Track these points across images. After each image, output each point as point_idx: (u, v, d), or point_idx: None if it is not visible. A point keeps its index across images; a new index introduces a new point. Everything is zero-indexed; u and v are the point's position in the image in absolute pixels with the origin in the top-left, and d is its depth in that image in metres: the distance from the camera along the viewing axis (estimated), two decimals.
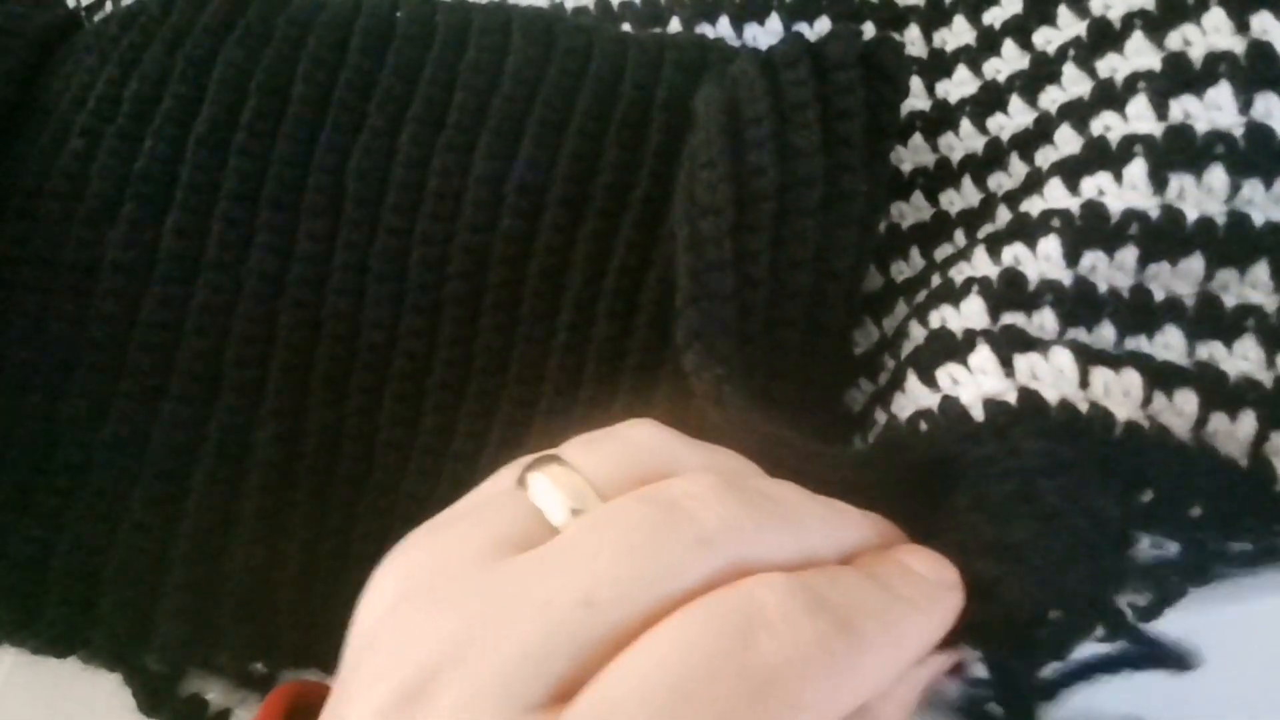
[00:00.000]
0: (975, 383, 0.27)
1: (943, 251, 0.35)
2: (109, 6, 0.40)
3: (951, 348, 0.28)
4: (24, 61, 0.35)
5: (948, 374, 0.27)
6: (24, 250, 0.33)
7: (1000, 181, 0.35)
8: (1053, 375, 0.26)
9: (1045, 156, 0.33)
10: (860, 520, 0.23)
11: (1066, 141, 0.32)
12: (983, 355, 0.27)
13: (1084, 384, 0.26)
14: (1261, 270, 0.27)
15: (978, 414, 0.26)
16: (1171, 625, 0.25)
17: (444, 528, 0.23)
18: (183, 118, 0.34)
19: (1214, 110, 0.28)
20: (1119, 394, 0.25)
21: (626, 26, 0.39)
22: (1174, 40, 0.30)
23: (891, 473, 0.26)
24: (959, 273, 0.30)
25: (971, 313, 0.28)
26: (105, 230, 0.33)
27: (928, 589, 0.22)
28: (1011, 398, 0.26)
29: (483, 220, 0.34)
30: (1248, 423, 0.26)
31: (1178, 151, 0.27)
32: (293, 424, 0.34)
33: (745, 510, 0.21)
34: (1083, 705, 0.24)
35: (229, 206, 0.33)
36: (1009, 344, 0.27)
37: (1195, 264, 0.27)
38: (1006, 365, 0.26)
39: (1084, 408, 0.25)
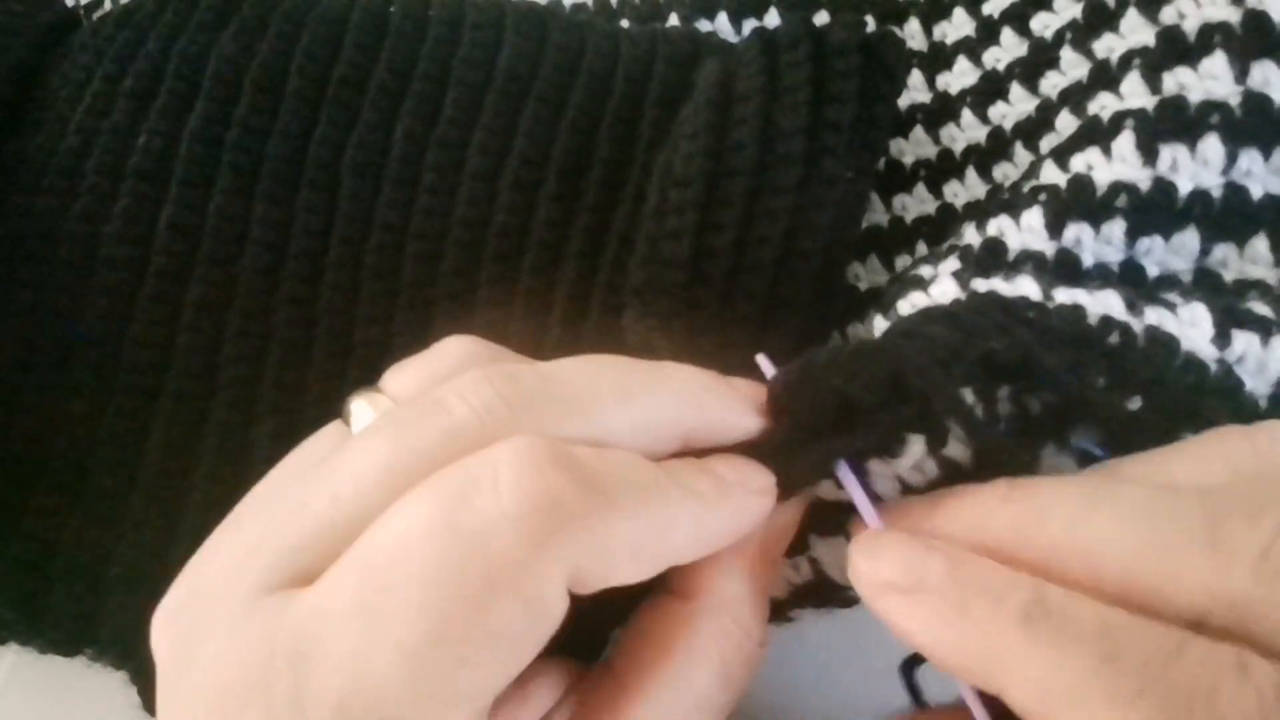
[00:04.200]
0: (931, 301, 0.26)
1: None
2: (107, 4, 0.41)
3: (916, 283, 0.27)
4: (23, 60, 0.35)
5: (909, 302, 0.27)
6: (20, 247, 0.33)
7: (1006, 171, 0.34)
8: (1012, 289, 0.25)
9: (1049, 144, 0.32)
10: (681, 401, 0.22)
11: (1067, 127, 0.31)
12: (945, 282, 0.26)
13: (1048, 298, 0.25)
14: (1261, 244, 0.26)
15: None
16: None
17: (278, 464, 0.25)
18: (178, 113, 0.34)
19: (1209, 80, 0.27)
20: (1090, 302, 0.24)
21: (625, 23, 0.39)
22: (1168, 14, 0.29)
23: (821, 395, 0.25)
24: (946, 245, 0.30)
25: (946, 268, 0.27)
26: (100, 226, 0.33)
27: (720, 485, 0.21)
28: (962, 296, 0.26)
29: (476, 215, 0.34)
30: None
31: (1168, 121, 0.26)
32: (290, 420, 0.33)
33: (509, 396, 0.21)
34: None
35: (224, 202, 0.34)
36: (974, 272, 0.26)
37: (1190, 238, 0.26)
38: (964, 284, 0.26)
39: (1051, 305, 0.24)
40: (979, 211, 0.34)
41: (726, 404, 0.23)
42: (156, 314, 0.33)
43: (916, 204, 0.36)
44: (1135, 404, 0.22)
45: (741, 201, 0.29)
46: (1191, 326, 0.24)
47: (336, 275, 0.34)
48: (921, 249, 0.35)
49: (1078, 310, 0.24)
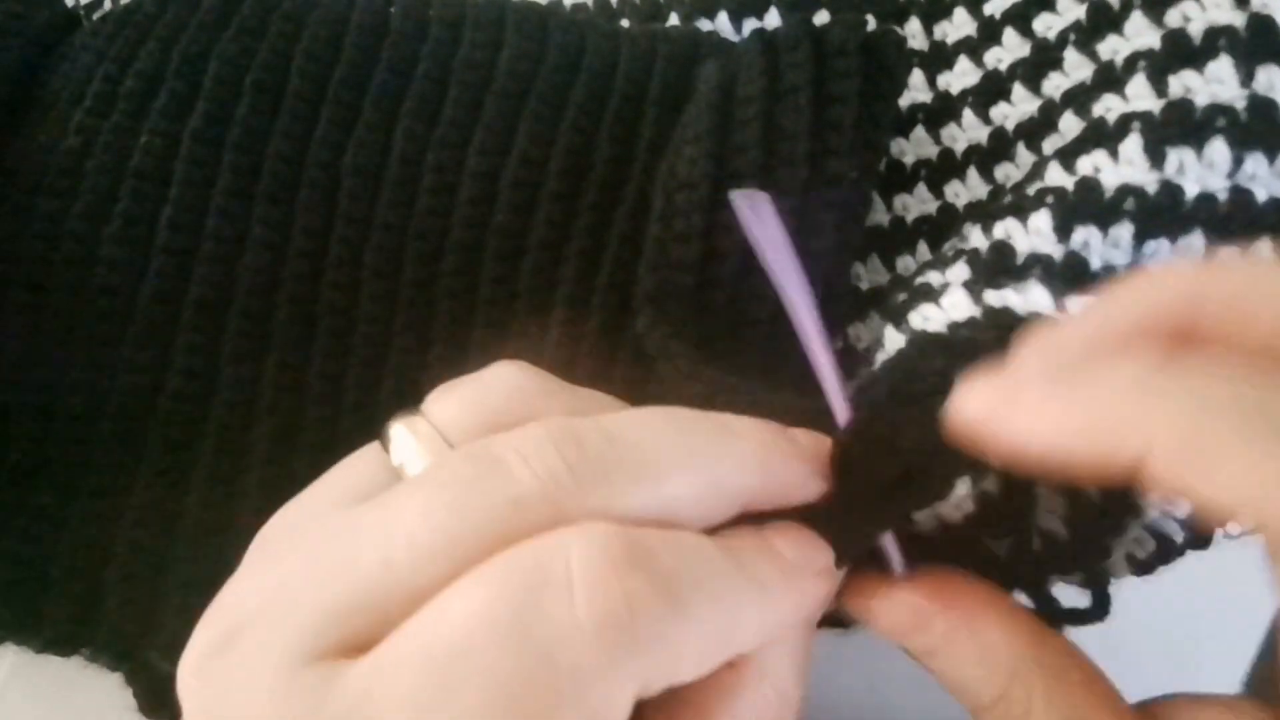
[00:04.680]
0: (944, 315, 0.26)
1: (951, 245, 0.35)
2: (107, 4, 0.40)
3: (927, 293, 0.27)
4: (23, 60, 0.35)
5: (920, 314, 0.27)
6: (20, 247, 0.33)
7: (1008, 172, 0.34)
8: (1025, 301, 0.25)
9: (1052, 145, 0.32)
10: (747, 467, 0.21)
11: (1070, 129, 0.31)
12: (956, 293, 0.26)
13: (1060, 310, 0.25)
14: (1265, 248, 0.26)
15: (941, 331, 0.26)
16: (1172, 617, 0.24)
17: (310, 487, 0.23)
18: (178, 114, 0.34)
19: (1215, 84, 0.27)
20: None
21: (625, 23, 0.39)
22: (1173, 17, 0.29)
23: (877, 456, 0.25)
24: (951, 248, 0.30)
25: (955, 275, 0.27)
26: (101, 226, 0.33)
27: (785, 570, 0.21)
28: (978, 315, 0.25)
29: (477, 215, 0.34)
30: None
31: (1176, 124, 0.26)
32: (289, 421, 0.34)
33: (575, 464, 0.20)
34: None
35: (224, 202, 0.34)
36: (985, 281, 0.26)
37: (1196, 241, 0.26)
38: (977, 297, 0.26)
39: None
40: (981, 212, 0.34)
41: (791, 467, 0.22)
42: (156, 314, 0.33)
43: (917, 204, 0.36)
44: None
45: None
46: None
47: (337, 275, 0.34)
48: (922, 249, 0.36)
49: None
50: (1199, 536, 0.23)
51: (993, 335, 0.23)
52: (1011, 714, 0.21)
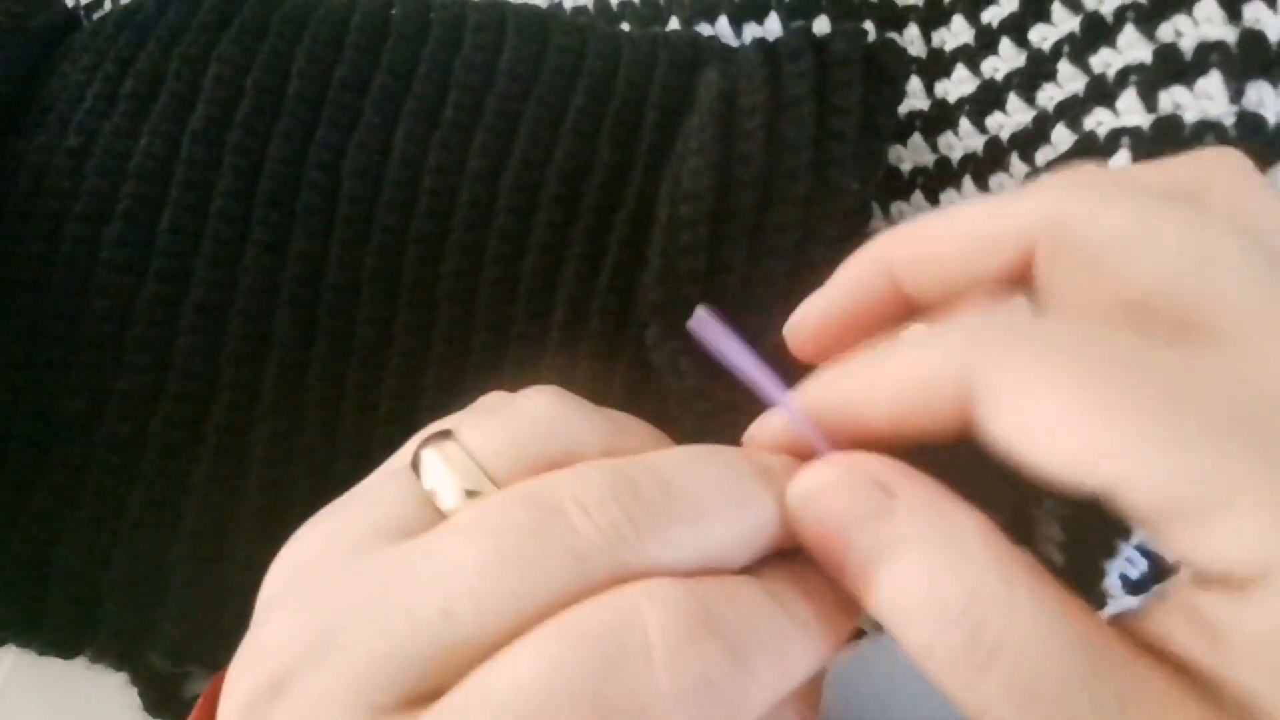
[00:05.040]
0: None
1: None
2: (107, 5, 0.40)
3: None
4: (23, 60, 0.35)
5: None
6: (21, 248, 0.33)
7: (1002, 182, 0.34)
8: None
9: (1044, 156, 0.33)
10: (773, 507, 0.21)
11: (1062, 141, 0.32)
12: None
13: None
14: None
15: None
16: None
17: (335, 513, 0.22)
18: (179, 115, 0.34)
19: (1204, 100, 0.27)
20: None
21: (625, 26, 0.39)
22: (1165, 32, 0.29)
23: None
24: None
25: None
26: (101, 228, 0.33)
27: (822, 612, 0.20)
28: None
29: (477, 217, 0.34)
30: None
31: (1165, 141, 0.27)
32: (290, 422, 0.34)
33: (635, 515, 0.19)
34: None
35: (224, 204, 0.33)
36: None
37: None
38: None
39: None
40: None
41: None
42: (157, 315, 0.33)
43: (914, 212, 0.36)
44: None
45: (752, 214, 0.29)
46: None
47: (337, 277, 0.34)
48: None
49: None
50: None
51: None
52: None
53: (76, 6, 0.41)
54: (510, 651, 0.18)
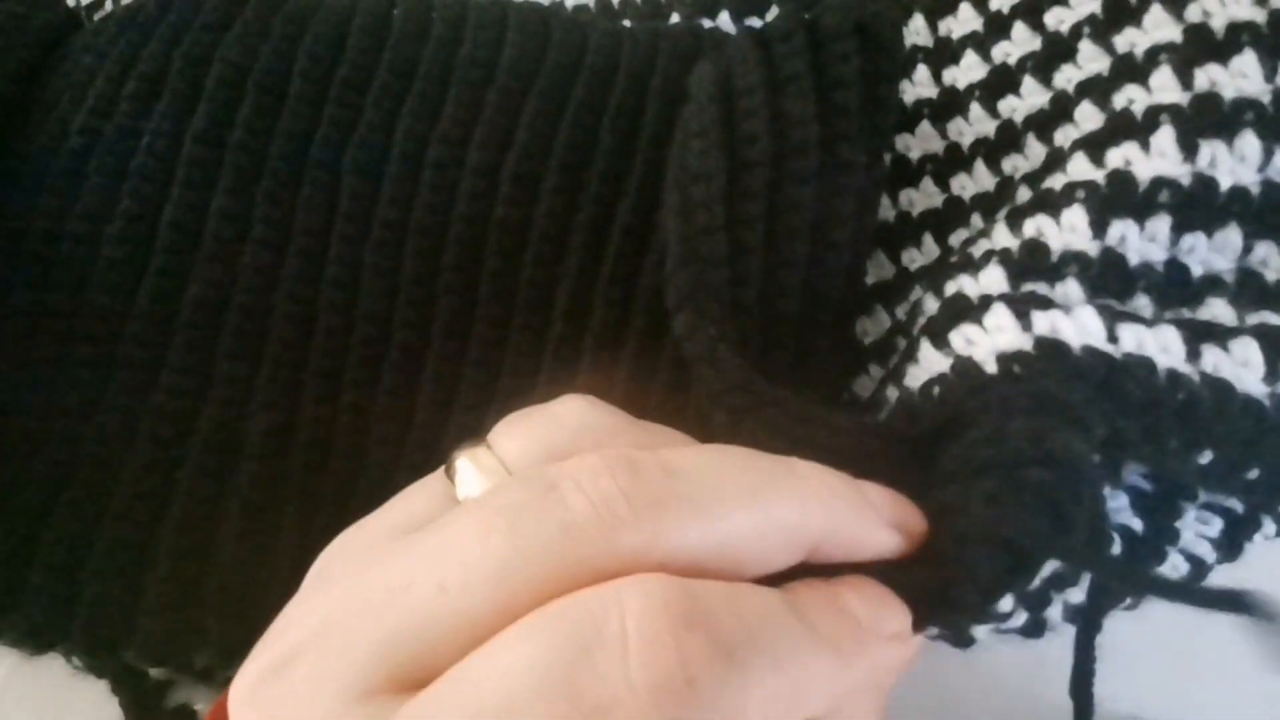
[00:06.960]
0: (990, 340, 0.25)
1: (958, 237, 0.34)
2: (109, 5, 0.41)
3: (966, 309, 0.26)
4: (25, 60, 0.35)
5: (962, 335, 0.25)
6: (21, 246, 0.33)
7: (1016, 164, 0.34)
8: (1076, 329, 0.24)
9: (1066, 135, 0.32)
10: (810, 507, 0.20)
11: (1088, 118, 0.31)
12: (999, 313, 0.25)
13: (1113, 339, 0.24)
14: None
15: (991, 368, 0.24)
16: (1172, 622, 0.24)
17: (372, 516, 0.23)
18: (180, 115, 0.34)
19: (1240, 78, 0.27)
20: (1156, 348, 0.24)
21: (626, 22, 0.39)
22: (1193, 12, 0.29)
23: (894, 444, 0.24)
24: (978, 248, 0.29)
25: (990, 281, 0.26)
26: (102, 226, 0.33)
27: (856, 634, 0.19)
28: (1029, 347, 0.24)
29: (478, 211, 0.33)
30: None
31: (1206, 116, 0.27)
32: (284, 418, 0.33)
33: (630, 491, 0.19)
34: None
35: (225, 202, 0.33)
36: (1027, 303, 0.25)
37: (1233, 235, 0.26)
38: (1024, 319, 0.24)
39: (1117, 356, 0.23)
40: (991, 203, 0.35)
41: (860, 517, 0.21)
42: (156, 313, 0.33)
43: (923, 199, 0.36)
44: (1205, 459, 0.22)
45: (764, 194, 0.28)
46: (1243, 367, 0.23)
47: (337, 272, 0.34)
48: (928, 242, 0.35)
49: (1148, 366, 0.23)
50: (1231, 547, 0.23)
51: (1051, 380, 0.22)
52: None
53: (77, 6, 0.41)
54: (498, 639, 0.18)
